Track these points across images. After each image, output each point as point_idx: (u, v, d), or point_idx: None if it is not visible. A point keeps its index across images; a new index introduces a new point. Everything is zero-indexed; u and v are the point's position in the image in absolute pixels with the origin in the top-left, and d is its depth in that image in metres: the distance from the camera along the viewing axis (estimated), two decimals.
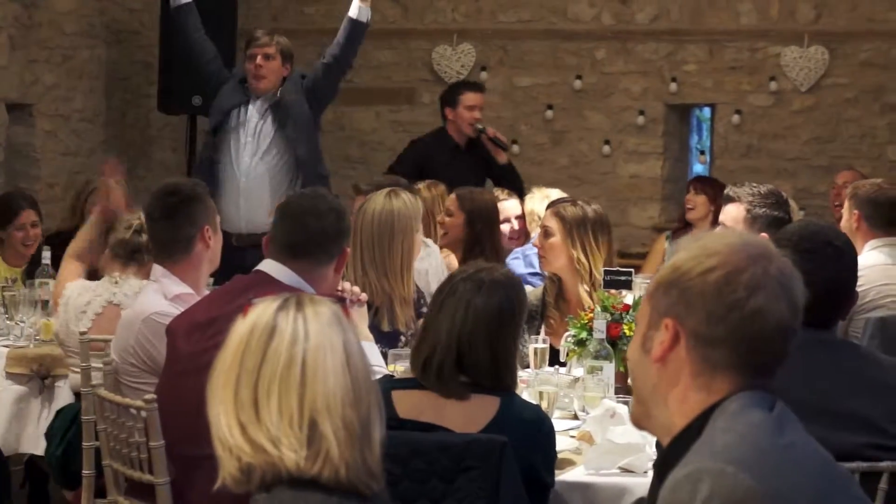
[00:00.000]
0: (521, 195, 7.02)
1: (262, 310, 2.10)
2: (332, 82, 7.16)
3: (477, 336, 3.37)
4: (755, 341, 1.94)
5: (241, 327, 2.10)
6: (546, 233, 5.10)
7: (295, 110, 7.02)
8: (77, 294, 5.05)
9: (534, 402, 3.88)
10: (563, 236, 5.04)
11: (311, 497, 2.01)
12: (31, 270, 6.76)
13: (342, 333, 2.10)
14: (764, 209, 4.93)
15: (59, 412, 4.86)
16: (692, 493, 1.80)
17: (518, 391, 3.61)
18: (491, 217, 5.83)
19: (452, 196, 5.96)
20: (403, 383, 3.47)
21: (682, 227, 7.81)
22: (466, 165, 7.69)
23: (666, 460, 1.95)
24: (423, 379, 3.39)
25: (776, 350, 1.96)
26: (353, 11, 7.04)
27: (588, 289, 5.01)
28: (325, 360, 2.06)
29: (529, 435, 3.33)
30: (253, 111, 7.05)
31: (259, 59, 7.00)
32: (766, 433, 1.87)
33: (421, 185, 6.40)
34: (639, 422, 2.07)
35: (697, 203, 7.80)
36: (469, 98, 7.95)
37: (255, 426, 2.03)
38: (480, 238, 5.72)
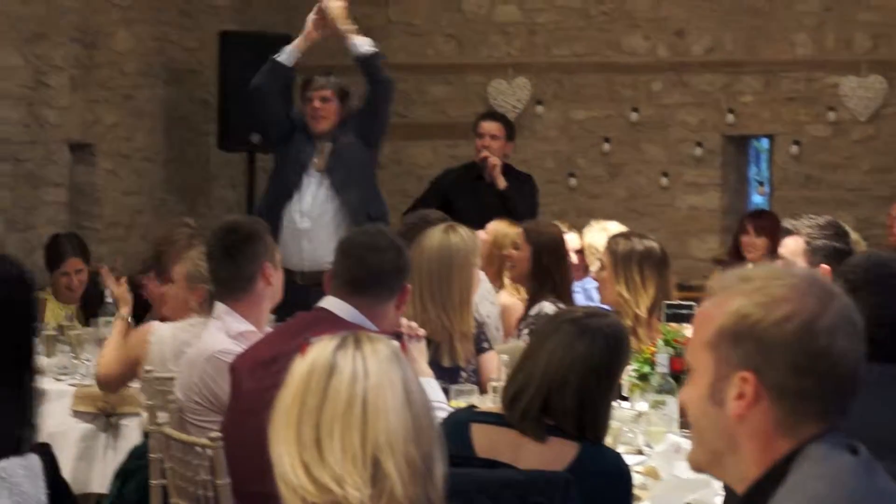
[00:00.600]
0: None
1: (321, 349, 2.10)
2: (378, 115, 7.15)
3: (568, 381, 3.29)
4: (841, 386, 1.90)
5: (301, 367, 2.10)
6: (601, 266, 5.20)
7: (351, 152, 7.08)
8: (171, 334, 4.97)
9: None
10: (611, 270, 5.09)
11: None
12: (86, 306, 6.85)
13: (401, 370, 2.09)
14: (823, 240, 4.90)
15: (132, 452, 4.86)
16: None
17: None
18: (558, 250, 5.82)
19: (520, 230, 6.00)
20: (484, 417, 3.42)
21: (735, 262, 7.60)
22: (486, 197, 7.71)
23: None
24: (508, 413, 3.34)
25: (856, 389, 1.92)
26: (354, 49, 7.07)
27: (630, 324, 5.00)
28: (386, 398, 2.05)
29: (606, 486, 3.27)
30: (314, 153, 7.11)
31: (316, 102, 7.08)
32: (857, 478, 1.84)
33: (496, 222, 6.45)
34: (702, 467, 2.01)
35: (757, 246, 7.56)
36: (479, 126, 8.05)
37: (318, 466, 2.03)
38: (548, 271, 5.71)
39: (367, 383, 2.06)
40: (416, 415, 2.07)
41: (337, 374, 2.07)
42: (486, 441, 3.31)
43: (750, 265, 6.62)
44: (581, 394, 3.31)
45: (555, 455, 3.28)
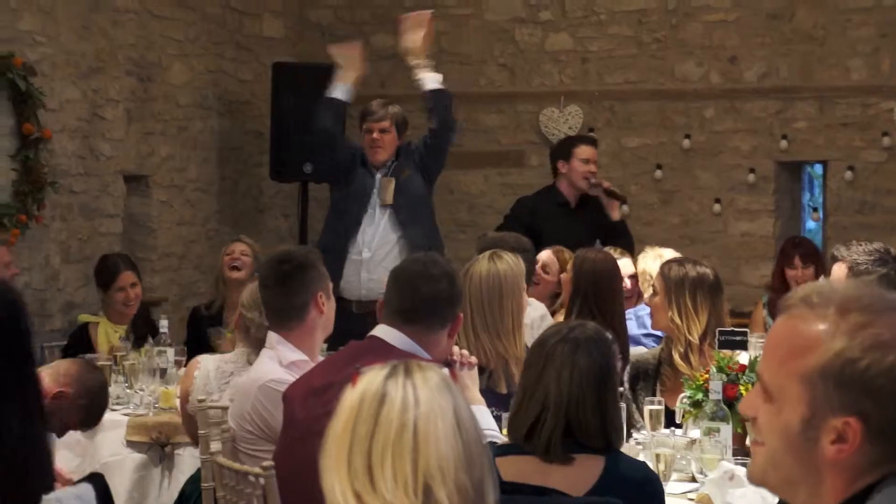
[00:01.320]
0: (631, 253, 6.99)
1: (371, 378, 2.11)
2: (439, 153, 7.23)
3: (586, 397, 3.31)
4: None
5: (352, 396, 2.10)
6: (654, 291, 5.17)
7: (414, 187, 7.13)
8: (215, 367, 5.04)
9: (650, 463, 3.84)
10: (664, 296, 5.07)
11: None
12: (136, 326, 6.90)
13: (452, 398, 2.10)
14: (866, 266, 4.89)
15: (193, 476, 4.88)
16: None
17: (635, 454, 3.55)
18: (601, 280, 5.74)
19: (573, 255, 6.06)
20: (504, 449, 3.42)
21: (780, 293, 7.28)
22: (575, 223, 7.66)
23: None
24: (527, 445, 3.34)
25: None
26: (424, 84, 7.12)
27: (682, 350, 4.97)
28: (437, 426, 2.06)
29: (636, 495, 3.27)
30: (373, 184, 7.16)
31: (375, 134, 7.15)
32: None
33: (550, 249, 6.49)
34: (768, 487, 1.97)
35: (806, 277, 7.34)
36: (583, 151, 7.97)
37: (370, 495, 2.03)
38: (585, 299, 5.70)
39: (417, 411, 2.06)
40: (467, 442, 2.07)
41: (388, 403, 2.07)
42: (513, 472, 3.30)
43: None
44: (600, 406, 3.32)
45: (583, 472, 3.29)
